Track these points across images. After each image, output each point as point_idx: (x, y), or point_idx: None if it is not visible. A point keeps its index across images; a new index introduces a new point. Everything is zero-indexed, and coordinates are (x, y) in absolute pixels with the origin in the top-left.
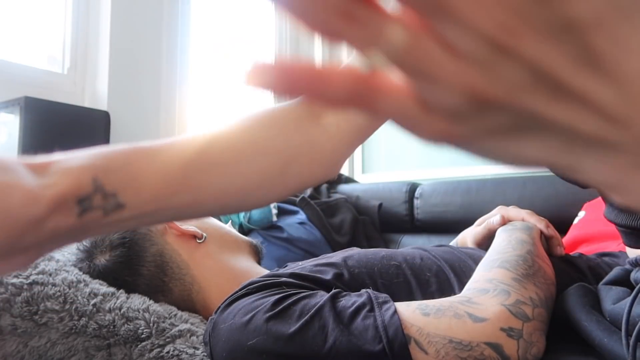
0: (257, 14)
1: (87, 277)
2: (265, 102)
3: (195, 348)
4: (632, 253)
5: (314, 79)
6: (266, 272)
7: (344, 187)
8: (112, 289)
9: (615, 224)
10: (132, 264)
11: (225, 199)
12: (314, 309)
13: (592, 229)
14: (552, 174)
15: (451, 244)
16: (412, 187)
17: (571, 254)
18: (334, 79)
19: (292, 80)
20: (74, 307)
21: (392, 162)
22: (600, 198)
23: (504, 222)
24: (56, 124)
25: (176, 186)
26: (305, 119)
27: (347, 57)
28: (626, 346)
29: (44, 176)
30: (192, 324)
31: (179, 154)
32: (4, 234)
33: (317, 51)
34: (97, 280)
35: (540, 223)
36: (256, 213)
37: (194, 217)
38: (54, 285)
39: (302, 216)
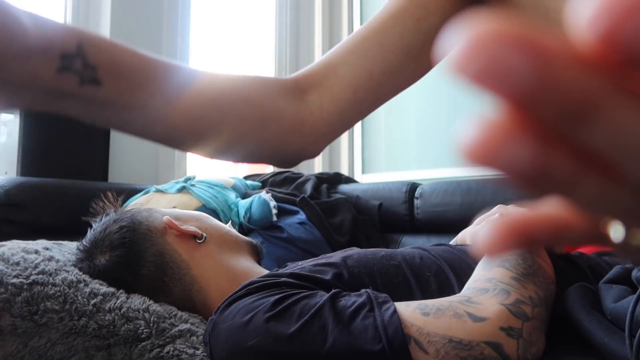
0: (257, 14)
1: (87, 277)
2: None
3: (195, 348)
4: None
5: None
6: (266, 272)
7: (344, 187)
8: (112, 289)
9: None
10: (132, 264)
11: (197, 127)
12: (314, 309)
13: None
14: None
15: (450, 243)
16: (412, 187)
17: (571, 253)
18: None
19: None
20: (74, 307)
21: (392, 162)
22: None
23: None
24: (56, 124)
25: (151, 91)
26: (291, 92)
27: None
28: (629, 347)
29: (38, 21)
30: (192, 324)
31: (166, 68)
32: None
33: (317, 51)
34: (97, 280)
35: None
36: (256, 213)
37: (159, 134)
38: (54, 285)
39: (302, 216)
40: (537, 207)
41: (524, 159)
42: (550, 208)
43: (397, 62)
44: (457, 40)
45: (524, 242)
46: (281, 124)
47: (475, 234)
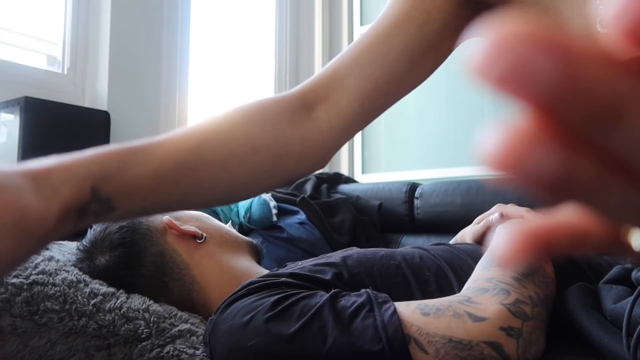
0: (257, 14)
1: (87, 277)
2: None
3: (195, 348)
4: None
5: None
6: (266, 272)
7: (344, 187)
8: (112, 289)
9: None
10: (132, 264)
11: (212, 196)
12: (314, 309)
13: None
14: None
15: (450, 242)
16: (412, 187)
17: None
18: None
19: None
20: (74, 307)
21: (392, 162)
22: None
23: (503, 219)
24: (56, 124)
25: (166, 187)
26: (297, 111)
27: None
28: (627, 347)
29: (46, 187)
30: (192, 324)
31: (172, 154)
32: (23, 253)
33: (317, 51)
34: (97, 280)
35: None
36: (256, 213)
37: (177, 210)
38: (54, 285)
39: (302, 216)
40: (555, 213)
41: (550, 166)
42: (568, 215)
43: (401, 70)
44: (480, 42)
45: (544, 250)
46: (290, 158)
47: (475, 232)
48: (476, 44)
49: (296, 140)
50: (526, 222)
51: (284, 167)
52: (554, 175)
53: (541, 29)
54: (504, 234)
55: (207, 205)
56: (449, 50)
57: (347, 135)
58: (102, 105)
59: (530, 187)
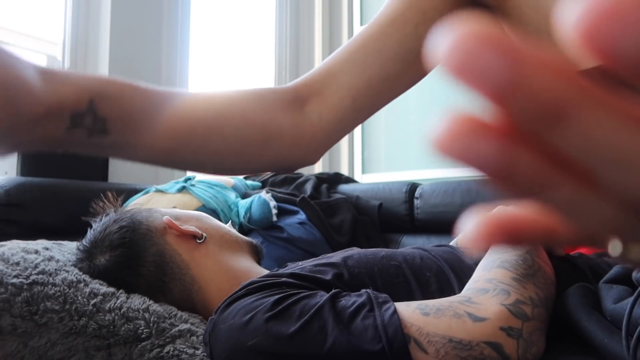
0: (257, 14)
1: (87, 277)
2: None
3: (195, 348)
4: None
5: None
6: (266, 272)
7: (344, 187)
8: (112, 289)
9: None
10: (132, 264)
11: (202, 157)
12: (314, 309)
13: None
14: None
15: (451, 244)
16: (412, 187)
17: (571, 253)
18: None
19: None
20: (74, 307)
21: (392, 162)
22: None
23: None
24: None
25: (159, 130)
26: (291, 103)
27: None
28: (626, 348)
29: (48, 83)
30: (192, 324)
31: (169, 101)
32: (6, 126)
33: (317, 51)
34: (97, 280)
35: None
36: (256, 213)
37: (165, 164)
38: (54, 285)
39: (302, 216)
40: (527, 207)
41: (489, 155)
42: (538, 210)
43: (395, 69)
44: (443, 39)
45: (508, 240)
46: (282, 140)
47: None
48: (443, 37)
49: (288, 126)
50: (498, 211)
51: (276, 148)
52: (495, 165)
53: (498, 31)
54: (474, 220)
55: (195, 167)
56: None
57: (338, 131)
58: None
59: (484, 177)
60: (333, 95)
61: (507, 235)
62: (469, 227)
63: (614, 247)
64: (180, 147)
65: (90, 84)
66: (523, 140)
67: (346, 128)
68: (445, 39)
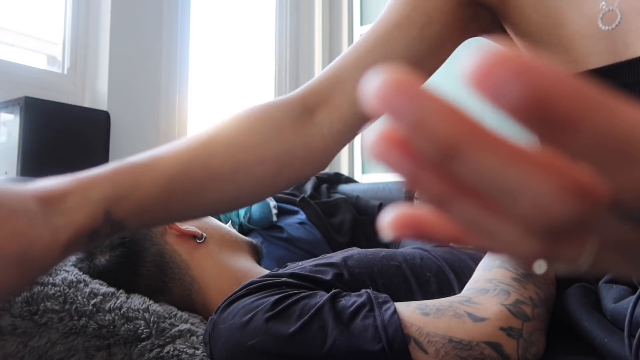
0: (257, 14)
1: (87, 277)
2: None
3: (195, 348)
4: None
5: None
6: (266, 272)
7: (344, 187)
8: (112, 289)
9: None
10: (132, 264)
11: (217, 207)
12: (314, 309)
13: None
14: None
15: (451, 243)
16: None
17: None
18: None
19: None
20: (74, 307)
21: None
22: None
23: None
24: (56, 124)
25: (175, 202)
26: (299, 116)
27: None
28: (629, 347)
29: (59, 213)
30: (192, 324)
31: (182, 170)
32: (22, 284)
33: (317, 52)
34: (97, 280)
35: None
36: (256, 213)
37: (181, 221)
38: (54, 285)
39: (302, 216)
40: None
41: (402, 168)
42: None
43: None
44: (375, 85)
45: (415, 234)
46: (294, 164)
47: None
48: (374, 81)
49: (299, 147)
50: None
51: (287, 174)
52: (407, 180)
53: (409, 80)
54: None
55: (209, 215)
56: (450, 51)
57: (348, 138)
58: (102, 105)
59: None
60: (342, 103)
61: (413, 230)
62: (387, 218)
63: (539, 266)
64: (196, 207)
65: (104, 193)
66: (425, 161)
67: (354, 135)
68: (375, 83)
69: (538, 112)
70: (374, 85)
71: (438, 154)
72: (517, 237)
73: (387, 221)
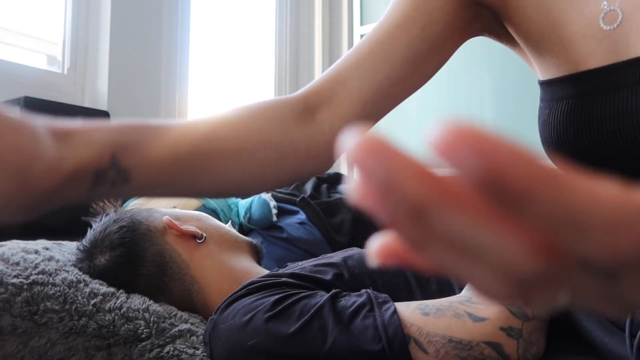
0: (257, 14)
1: (87, 277)
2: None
3: (195, 348)
4: None
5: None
6: (266, 272)
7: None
8: (112, 289)
9: None
10: (132, 264)
11: (221, 185)
12: (314, 309)
13: None
14: None
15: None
16: None
17: None
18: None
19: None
20: (74, 307)
21: None
22: None
23: None
24: None
25: (180, 168)
26: (302, 113)
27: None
28: (630, 347)
29: (67, 145)
30: (192, 324)
31: (188, 137)
32: (19, 199)
33: (317, 51)
34: (97, 280)
35: None
36: (256, 213)
37: (187, 197)
38: (54, 285)
39: (302, 216)
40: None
41: (378, 214)
42: None
43: (403, 72)
44: (351, 142)
45: (398, 264)
46: (297, 156)
47: None
48: (349, 140)
49: (302, 139)
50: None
51: (291, 164)
52: (383, 221)
53: (380, 143)
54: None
55: (216, 195)
56: (451, 51)
57: None
58: (102, 105)
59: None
60: (343, 102)
61: (398, 260)
62: (374, 245)
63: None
64: (200, 181)
65: (111, 137)
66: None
67: None
68: (351, 142)
69: (494, 187)
70: (348, 144)
71: (408, 213)
72: (491, 282)
73: (374, 249)
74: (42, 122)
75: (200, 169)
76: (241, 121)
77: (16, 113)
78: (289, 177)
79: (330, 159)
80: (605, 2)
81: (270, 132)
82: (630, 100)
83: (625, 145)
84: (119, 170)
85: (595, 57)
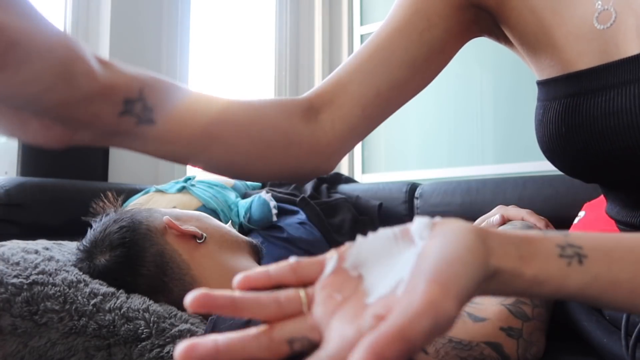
0: (257, 14)
1: (87, 277)
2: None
3: None
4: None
5: None
6: None
7: (344, 187)
8: (112, 289)
9: (616, 221)
10: (132, 264)
11: (229, 157)
12: None
13: (592, 229)
14: (552, 174)
15: None
16: (412, 187)
17: None
18: None
19: None
20: (74, 307)
21: (392, 162)
22: (600, 198)
23: (504, 221)
24: None
25: (196, 130)
26: (306, 112)
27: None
28: (625, 347)
29: (104, 66)
30: (192, 324)
31: (206, 104)
32: (59, 91)
33: (317, 52)
34: (97, 280)
35: (539, 222)
36: (256, 213)
37: (199, 162)
38: (54, 285)
39: (302, 216)
40: None
41: None
42: None
43: (402, 76)
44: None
45: None
46: (301, 147)
47: None
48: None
49: (306, 134)
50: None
51: (295, 153)
52: None
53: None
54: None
55: (222, 168)
56: (451, 54)
57: (351, 139)
58: None
59: None
60: (343, 105)
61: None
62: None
63: None
64: (213, 145)
65: (141, 76)
66: None
67: (359, 136)
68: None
69: None
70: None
71: None
72: None
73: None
74: (86, 47)
75: (214, 135)
76: (253, 104)
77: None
78: (293, 167)
79: (332, 160)
80: (599, 2)
81: (278, 118)
82: (617, 100)
83: (615, 144)
84: (145, 106)
85: (586, 58)
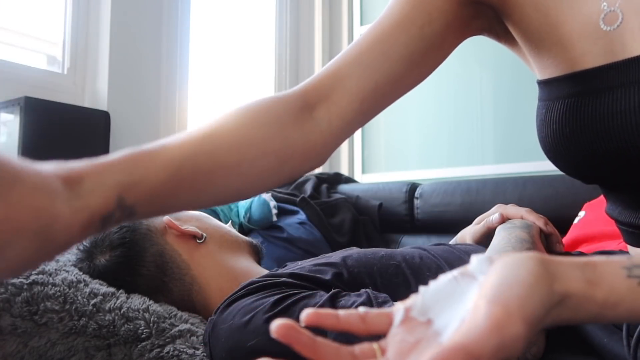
0: (257, 14)
1: (87, 277)
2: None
3: (195, 348)
4: (634, 252)
5: None
6: (266, 272)
7: (344, 187)
8: (112, 289)
9: (617, 221)
10: (132, 264)
11: (222, 197)
12: None
13: (592, 228)
14: (552, 174)
15: (450, 242)
16: (412, 187)
17: (571, 252)
18: None
19: None
20: (74, 307)
21: (392, 162)
22: (600, 198)
23: (503, 220)
24: (56, 124)
25: (183, 190)
26: (300, 112)
27: None
28: (627, 347)
29: (78, 195)
30: (192, 324)
31: (189, 158)
32: (38, 260)
33: (317, 51)
34: (97, 280)
35: (539, 220)
36: (256, 213)
37: (187, 210)
38: (54, 285)
39: (302, 216)
40: None
41: None
42: None
43: (401, 70)
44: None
45: None
46: (295, 159)
47: (475, 232)
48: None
49: (300, 143)
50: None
51: (289, 168)
52: None
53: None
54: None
55: (215, 205)
56: (450, 49)
57: (346, 134)
58: (102, 105)
59: None
60: (341, 99)
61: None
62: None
63: None
64: (202, 197)
65: (117, 177)
66: None
67: (353, 130)
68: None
69: None
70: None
71: None
72: None
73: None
74: (52, 169)
75: (203, 185)
76: (241, 131)
77: (30, 166)
78: (285, 179)
79: (326, 156)
80: (605, 3)
81: (270, 140)
82: (624, 99)
83: (621, 144)
84: (125, 209)
85: (591, 57)
